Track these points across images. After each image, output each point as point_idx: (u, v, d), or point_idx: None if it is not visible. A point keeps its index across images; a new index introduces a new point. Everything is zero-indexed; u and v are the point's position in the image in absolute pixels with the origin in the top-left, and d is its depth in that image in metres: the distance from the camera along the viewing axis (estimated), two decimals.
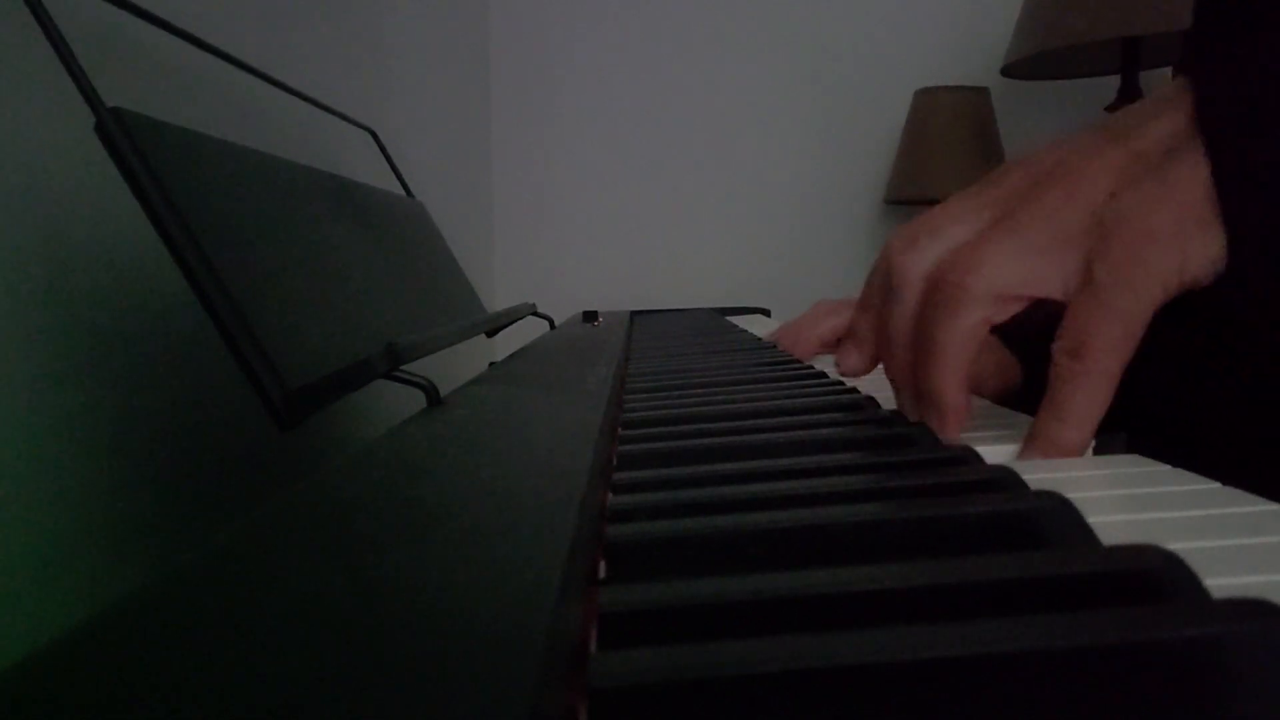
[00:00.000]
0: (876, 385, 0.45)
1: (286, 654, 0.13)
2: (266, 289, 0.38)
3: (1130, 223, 0.30)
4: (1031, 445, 0.31)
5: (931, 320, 0.33)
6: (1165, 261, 0.30)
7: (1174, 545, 0.18)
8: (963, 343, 0.32)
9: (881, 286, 0.36)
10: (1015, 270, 0.32)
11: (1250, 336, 0.35)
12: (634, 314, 1.29)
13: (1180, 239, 0.29)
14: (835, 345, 0.68)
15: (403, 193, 0.84)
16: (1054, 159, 0.33)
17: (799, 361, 0.58)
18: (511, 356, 0.58)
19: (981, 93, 1.61)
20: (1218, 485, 0.25)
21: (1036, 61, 1.49)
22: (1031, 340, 0.39)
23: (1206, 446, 0.37)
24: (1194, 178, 0.30)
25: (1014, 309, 0.32)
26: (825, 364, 0.57)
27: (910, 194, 1.63)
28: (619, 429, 0.36)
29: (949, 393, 0.33)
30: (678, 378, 0.52)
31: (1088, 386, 0.30)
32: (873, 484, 0.25)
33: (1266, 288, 0.30)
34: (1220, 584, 0.17)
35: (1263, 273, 0.29)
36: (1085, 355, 0.30)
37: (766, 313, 1.47)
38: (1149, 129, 0.32)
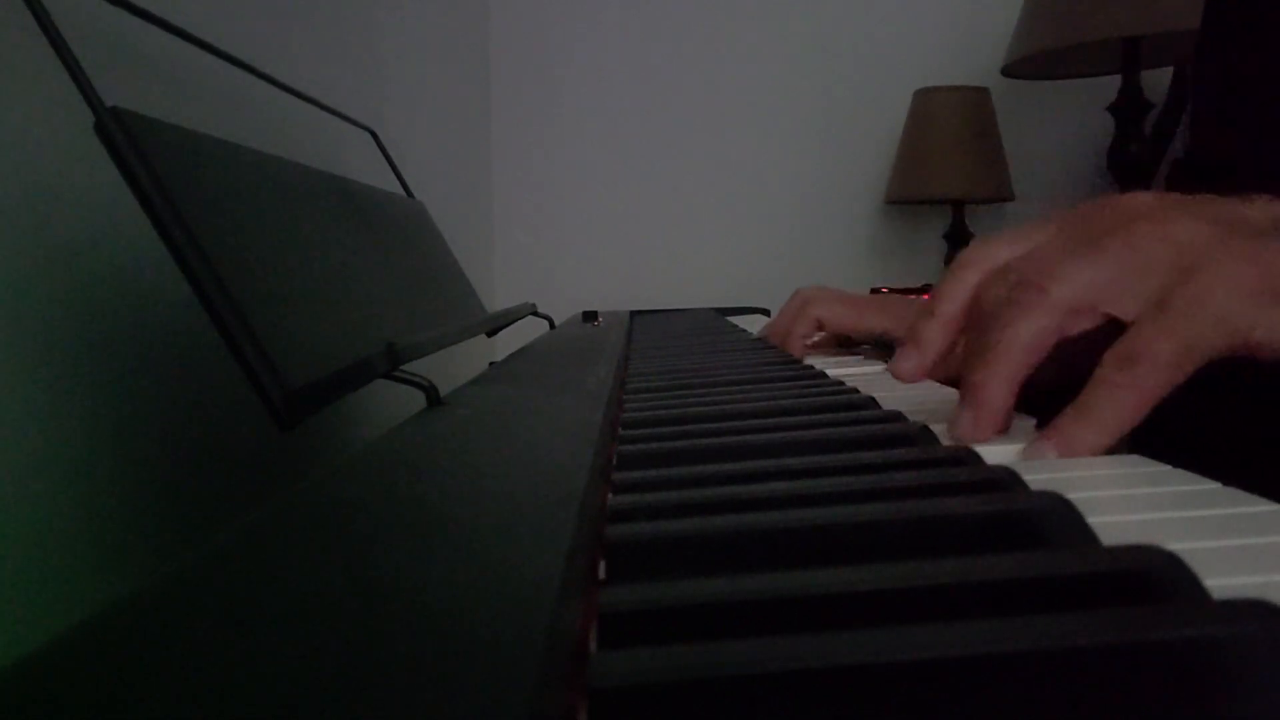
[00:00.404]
0: (878, 387, 0.45)
1: (286, 654, 0.13)
2: (266, 289, 0.38)
3: (1219, 266, 0.30)
4: (1045, 439, 0.31)
5: (1004, 318, 0.32)
6: (1241, 313, 0.30)
7: (1174, 545, 0.18)
8: (1029, 345, 0.32)
9: (951, 288, 0.36)
10: (1094, 283, 0.32)
11: None
12: (634, 314, 1.29)
13: (1262, 301, 0.30)
14: (819, 344, 0.69)
15: (403, 193, 0.84)
16: (1148, 204, 0.33)
17: (799, 361, 0.58)
18: (511, 356, 0.58)
19: (982, 92, 1.61)
20: (1218, 485, 0.25)
21: (1037, 61, 1.49)
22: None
23: (1207, 446, 0.37)
24: None
25: (1085, 324, 0.32)
26: (824, 363, 0.57)
27: (910, 194, 1.63)
28: (619, 429, 0.36)
29: (998, 393, 0.32)
30: (678, 378, 0.52)
31: (1123, 398, 0.30)
32: (873, 484, 0.25)
33: None
34: (1220, 584, 0.17)
35: None
36: (1133, 367, 0.30)
37: (766, 313, 1.47)
38: (1252, 206, 0.33)
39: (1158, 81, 1.49)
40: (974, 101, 1.60)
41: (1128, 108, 1.48)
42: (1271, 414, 0.40)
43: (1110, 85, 1.52)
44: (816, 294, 0.69)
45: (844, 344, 0.71)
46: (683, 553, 0.21)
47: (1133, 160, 1.47)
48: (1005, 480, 0.25)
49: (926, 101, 1.61)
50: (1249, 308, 0.30)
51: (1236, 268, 0.30)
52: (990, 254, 0.36)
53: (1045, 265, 0.32)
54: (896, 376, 0.38)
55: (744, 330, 0.90)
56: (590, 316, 0.94)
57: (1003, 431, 0.33)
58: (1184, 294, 0.30)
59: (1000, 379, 0.32)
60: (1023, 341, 0.32)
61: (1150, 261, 0.31)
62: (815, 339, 0.71)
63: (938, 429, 0.33)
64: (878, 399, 0.40)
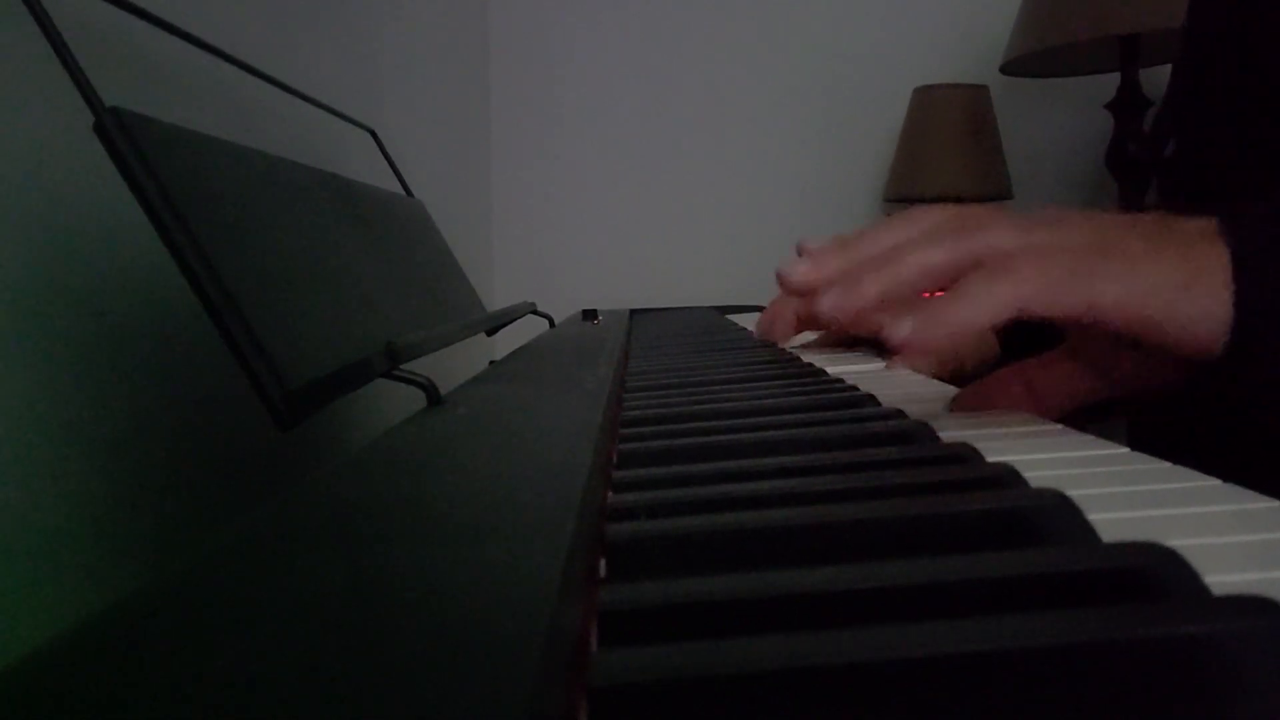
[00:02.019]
0: (877, 385, 0.45)
1: (287, 654, 0.13)
2: (266, 288, 0.38)
3: (1129, 248, 0.34)
4: (905, 317, 0.33)
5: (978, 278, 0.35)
6: (1136, 285, 0.33)
7: (1174, 542, 0.18)
8: (924, 268, 0.35)
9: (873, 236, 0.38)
10: (1002, 238, 0.35)
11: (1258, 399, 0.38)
12: (634, 312, 1.28)
13: (1168, 287, 0.33)
14: (813, 321, 0.71)
15: (402, 192, 0.84)
16: (1059, 212, 0.37)
17: (798, 359, 0.58)
18: (511, 355, 0.58)
19: (981, 90, 1.61)
20: (1218, 482, 0.25)
21: (1036, 59, 1.49)
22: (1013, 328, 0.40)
23: (1207, 444, 0.38)
24: (1205, 254, 0.34)
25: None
26: (823, 363, 0.57)
27: (910, 192, 1.63)
28: (619, 427, 0.36)
29: (870, 290, 0.35)
30: (677, 376, 0.52)
31: (995, 292, 0.33)
32: (873, 481, 0.25)
33: (1266, 355, 0.33)
34: (1220, 581, 0.17)
35: (1264, 340, 0.32)
36: (1017, 275, 0.33)
37: None
38: (1169, 222, 0.36)
39: (1156, 79, 1.49)
40: (973, 99, 1.60)
41: (1126, 105, 1.48)
42: (1271, 413, 0.40)
43: (1109, 82, 1.52)
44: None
45: (843, 342, 0.71)
46: (683, 551, 0.21)
47: (1131, 157, 1.47)
48: (1005, 477, 0.25)
49: (925, 99, 1.61)
50: (1149, 281, 0.33)
51: (1150, 252, 0.34)
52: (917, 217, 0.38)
53: (974, 217, 0.36)
54: (780, 276, 0.38)
55: (744, 328, 0.90)
56: (590, 315, 0.94)
57: (848, 321, 0.35)
58: (1091, 253, 0.34)
59: (880, 282, 0.35)
60: (917, 262, 0.35)
61: (1074, 238, 0.35)
62: (814, 338, 0.72)
63: (938, 427, 0.33)
64: (877, 396, 0.40)
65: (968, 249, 0.35)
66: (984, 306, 0.33)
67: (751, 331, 0.78)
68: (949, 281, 0.35)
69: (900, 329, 0.33)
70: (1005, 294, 0.33)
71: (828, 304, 0.35)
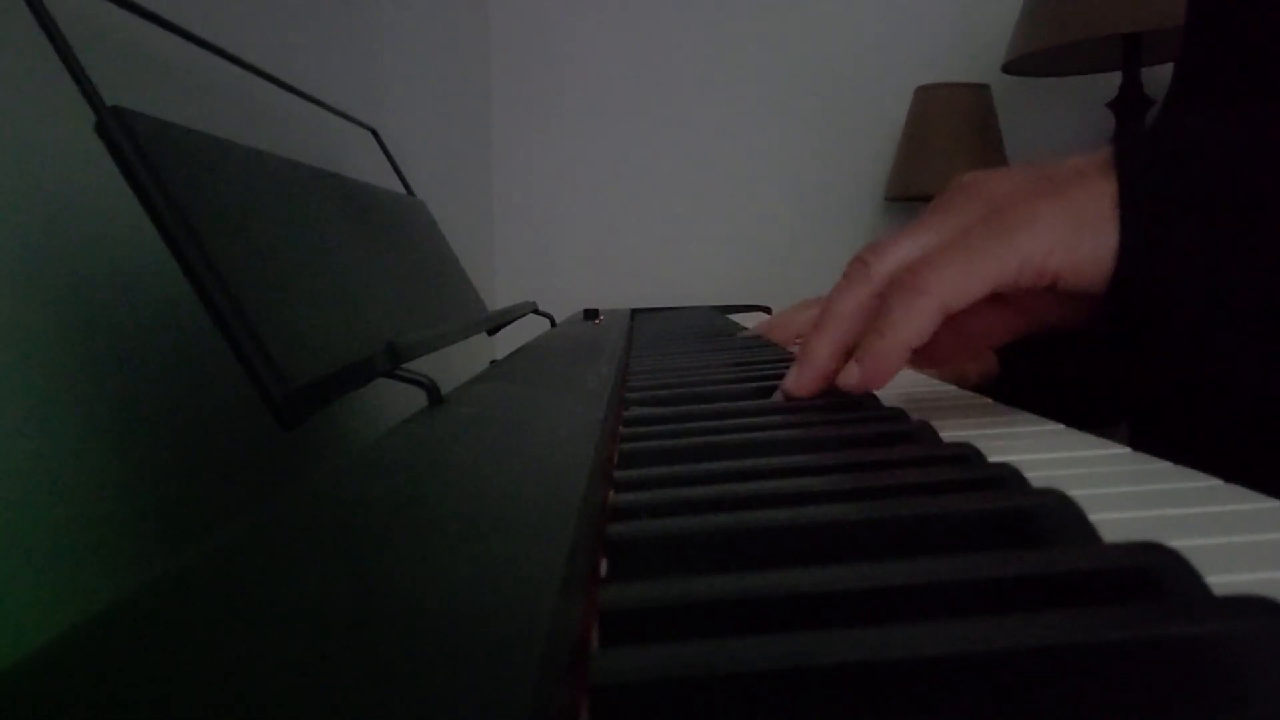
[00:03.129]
0: None
1: (287, 653, 0.13)
2: (268, 288, 0.38)
3: (1018, 204, 0.34)
4: (855, 361, 0.36)
5: (833, 296, 0.38)
6: (1034, 238, 0.33)
7: (1176, 542, 0.18)
8: (849, 313, 0.38)
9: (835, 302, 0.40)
10: (911, 254, 0.36)
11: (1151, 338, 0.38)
12: (635, 312, 1.28)
13: (1058, 227, 0.33)
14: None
15: (404, 191, 0.84)
16: (976, 176, 0.38)
17: None
18: (512, 355, 0.58)
19: (982, 89, 1.61)
20: (1220, 482, 0.25)
21: (1037, 58, 1.49)
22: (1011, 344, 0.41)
23: (1207, 443, 0.38)
24: (1091, 191, 0.34)
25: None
26: None
27: (911, 191, 1.63)
28: (620, 426, 0.36)
29: (822, 353, 0.38)
30: (679, 375, 0.52)
31: (912, 305, 0.34)
32: (874, 481, 0.25)
33: (1154, 291, 0.33)
34: (1222, 581, 0.17)
35: (1152, 275, 0.33)
36: (916, 276, 0.34)
37: (767, 310, 1.47)
38: (1061, 163, 0.37)
39: (1158, 78, 1.49)
40: (975, 98, 1.60)
41: (1128, 104, 1.47)
42: (1272, 411, 0.40)
43: (1111, 82, 1.52)
44: (817, 302, 0.71)
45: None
46: (684, 550, 0.21)
47: None
48: (1007, 478, 0.25)
49: (927, 98, 1.61)
50: (1044, 234, 0.33)
51: (1035, 204, 0.34)
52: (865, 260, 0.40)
53: (876, 248, 0.38)
54: (785, 391, 0.40)
55: (745, 328, 0.89)
56: (591, 315, 0.94)
57: (824, 387, 0.38)
58: (979, 228, 0.35)
59: (824, 341, 0.38)
60: (841, 310, 0.38)
61: (964, 219, 0.36)
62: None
63: (940, 428, 0.33)
64: (878, 396, 0.40)
65: (877, 276, 0.37)
66: (909, 326, 0.34)
67: (754, 331, 0.78)
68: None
69: (849, 377, 0.36)
70: (922, 306, 0.34)
71: (790, 383, 0.39)
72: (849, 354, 0.37)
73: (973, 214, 0.36)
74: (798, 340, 0.73)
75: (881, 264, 0.37)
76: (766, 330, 0.72)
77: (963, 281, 0.34)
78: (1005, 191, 0.36)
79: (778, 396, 0.41)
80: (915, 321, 0.34)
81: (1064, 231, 0.33)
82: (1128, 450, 0.30)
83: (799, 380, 0.39)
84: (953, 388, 0.46)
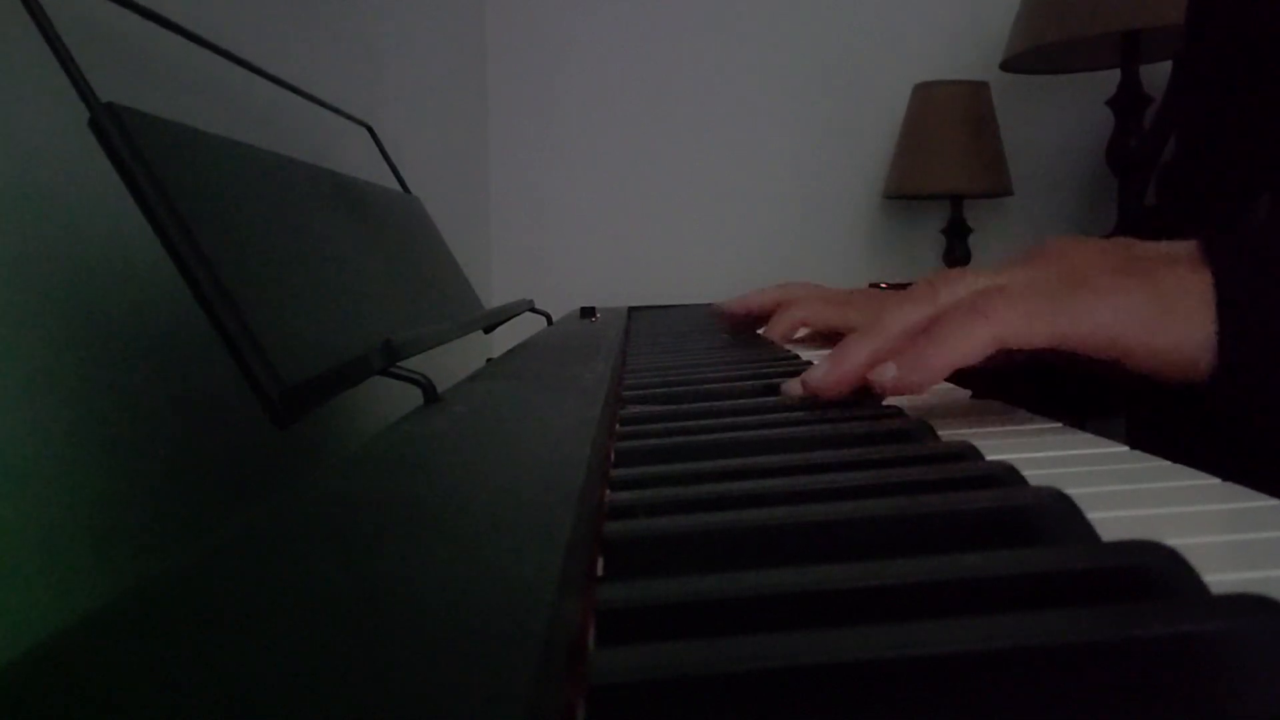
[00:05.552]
0: None
1: (285, 652, 0.13)
2: (262, 285, 0.38)
3: (1103, 278, 0.35)
4: (894, 363, 0.36)
5: (893, 310, 0.38)
6: (1113, 316, 0.34)
7: (1174, 541, 0.18)
8: (900, 330, 0.37)
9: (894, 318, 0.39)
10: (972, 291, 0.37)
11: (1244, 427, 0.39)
12: (632, 310, 1.28)
13: (1144, 315, 0.34)
14: (806, 339, 0.71)
15: (399, 188, 0.83)
16: (1059, 243, 0.38)
17: (797, 358, 0.58)
18: (509, 353, 0.58)
19: (981, 87, 1.61)
20: (1218, 481, 0.25)
21: (1036, 55, 1.49)
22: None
23: (1207, 442, 0.38)
24: (1183, 282, 0.34)
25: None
26: (820, 359, 0.57)
27: (909, 189, 1.63)
28: (617, 425, 0.36)
29: (858, 357, 0.37)
30: (676, 374, 0.52)
31: (970, 328, 0.34)
32: (872, 479, 0.25)
33: (1254, 380, 0.34)
34: (1220, 580, 0.17)
35: (1251, 366, 0.33)
36: (985, 312, 0.34)
37: None
38: (1146, 246, 0.37)
39: (1157, 76, 1.49)
40: (973, 96, 1.60)
41: (1127, 102, 1.48)
42: (1263, 429, 0.40)
43: (1109, 79, 1.52)
44: (798, 294, 0.71)
45: (832, 339, 0.71)
46: (681, 549, 0.21)
47: (1132, 154, 1.47)
48: (1005, 476, 0.25)
49: (926, 96, 1.61)
50: (1127, 312, 0.34)
51: (1124, 281, 0.34)
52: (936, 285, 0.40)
53: (947, 275, 0.38)
54: (806, 385, 0.39)
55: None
56: (588, 313, 0.94)
57: (845, 392, 0.38)
58: (1062, 286, 0.35)
59: (865, 348, 0.37)
60: (893, 325, 0.37)
61: (1046, 275, 0.36)
62: (800, 334, 0.72)
63: (938, 426, 0.33)
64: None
65: (945, 298, 0.37)
66: (961, 345, 0.34)
67: (724, 304, 0.79)
68: None
69: (885, 373, 0.35)
70: (980, 331, 0.34)
71: (817, 379, 0.38)
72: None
73: (1055, 273, 0.36)
74: (798, 338, 0.73)
75: (950, 291, 0.37)
76: (740, 302, 0.73)
77: (1027, 323, 0.34)
78: (1092, 261, 0.36)
79: (787, 390, 0.40)
80: (968, 343, 0.34)
81: (1149, 314, 0.34)
82: (1126, 449, 0.30)
83: (826, 378, 0.38)
84: (950, 386, 0.46)
